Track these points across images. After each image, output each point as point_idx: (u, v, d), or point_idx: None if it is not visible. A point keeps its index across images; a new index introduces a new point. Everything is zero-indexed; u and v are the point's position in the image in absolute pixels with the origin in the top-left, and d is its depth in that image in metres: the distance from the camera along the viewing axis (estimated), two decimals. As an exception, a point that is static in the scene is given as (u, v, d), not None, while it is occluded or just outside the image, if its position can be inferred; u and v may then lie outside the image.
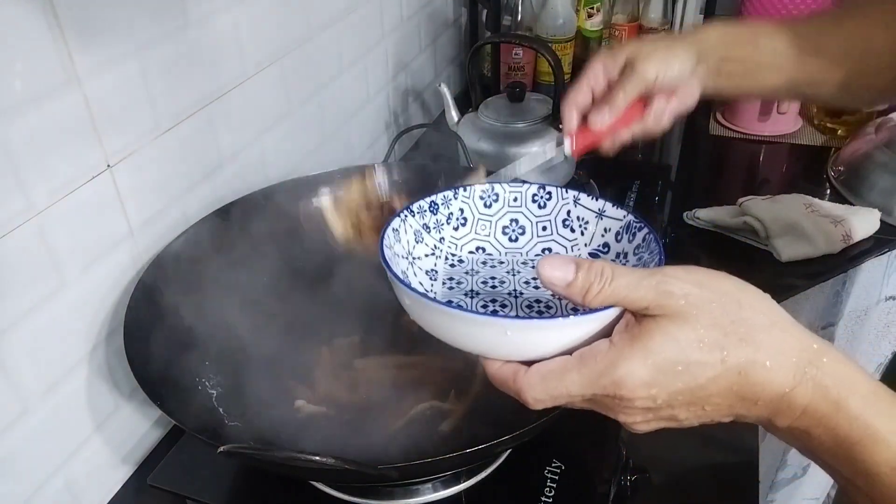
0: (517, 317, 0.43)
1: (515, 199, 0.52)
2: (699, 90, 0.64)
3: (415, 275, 0.49)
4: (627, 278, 0.36)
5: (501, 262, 0.52)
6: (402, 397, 0.65)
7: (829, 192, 1.07)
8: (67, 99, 0.57)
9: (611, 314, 0.38)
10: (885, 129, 1.06)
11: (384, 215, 0.52)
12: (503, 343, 0.39)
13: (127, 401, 0.68)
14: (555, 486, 0.62)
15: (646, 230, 0.46)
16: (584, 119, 0.62)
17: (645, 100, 0.63)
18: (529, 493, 0.62)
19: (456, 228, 0.52)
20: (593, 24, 1.33)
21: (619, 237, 0.48)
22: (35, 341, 0.57)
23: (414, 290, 0.41)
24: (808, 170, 1.16)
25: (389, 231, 0.48)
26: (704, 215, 0.99)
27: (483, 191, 0.52)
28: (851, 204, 1.01)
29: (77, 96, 0.57)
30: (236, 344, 0.70)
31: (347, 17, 0.98)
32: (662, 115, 0.63)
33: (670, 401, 0.37)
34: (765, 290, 0.39)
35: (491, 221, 0.53)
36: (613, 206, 0.49)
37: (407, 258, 0.49)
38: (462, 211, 0.52)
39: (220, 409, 0.62)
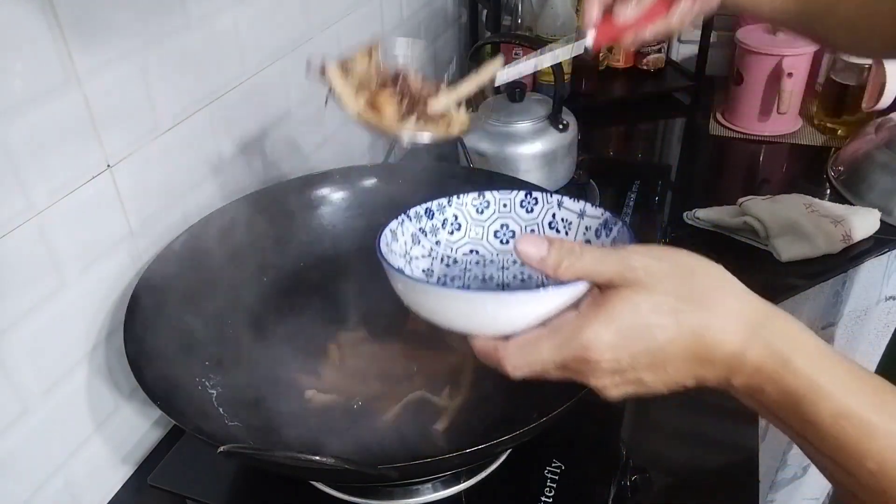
0: (501, 292, 0.48)
1: (505, 206, 0.56)
2: None
3: (411, 272, 0.52)
4: (594, 254, 0.40)
5: (492, 262, 0.56)
6: (400, 389, 0.66)
7: (829, 192, 1.07)
8: (67, 99, 0.57)
9: (579, 288, 0.41)
10: (885, 129, 1.06)
11: (399, 90, 0.55)
12: (485, 318, 0.43)
13: (127, 401, 0.68)
14: (555, 486, 0.62)
15: (619, 224, 0.50)
16: (606, 13, 0.63)
17: None
18: (529, 493, 0.62)
19: (451, 233, 0.56)
20: (593, 24, 1.33)
21: (598, 234, 0.52)
22: (35, 341, 0.57)
23: (406, 275, 0.46)
24: (808, 170, 1.16)
25: (387, 232, 0.51)
26: (704, 215, 0.99)
27: (474, 199, 0.56)
28: (851, 204, 1.01)
29: (77, 96, 0.57)
30: (236, 344, 0.70)
31: (347, 17, 0.98)
32: (686, 16, 0.64)
33: (633, 363, 0.40)
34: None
35: (483, 226, 0.56)
36: (593, 206, 0.53)
37: (404, 257, 0.53)
38: (456, 217, 0.55)
39: (220, 409, 0.62)
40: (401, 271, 0.46)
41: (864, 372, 0.38)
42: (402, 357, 0.70)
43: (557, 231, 0.55)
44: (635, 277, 0.39)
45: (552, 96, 1.03)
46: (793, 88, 1.16)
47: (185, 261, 0.68)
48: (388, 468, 0.49)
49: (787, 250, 0.91)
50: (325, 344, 0.71)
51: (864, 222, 0.94)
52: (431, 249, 0.55)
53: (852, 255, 0.94)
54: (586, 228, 0.53)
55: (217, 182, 0.77)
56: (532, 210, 0.55)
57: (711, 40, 1.30)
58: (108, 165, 0.62)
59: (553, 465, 0.64)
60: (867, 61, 1.12)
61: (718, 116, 1.30)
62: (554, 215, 0.55)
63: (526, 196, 0.55)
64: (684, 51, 1.46)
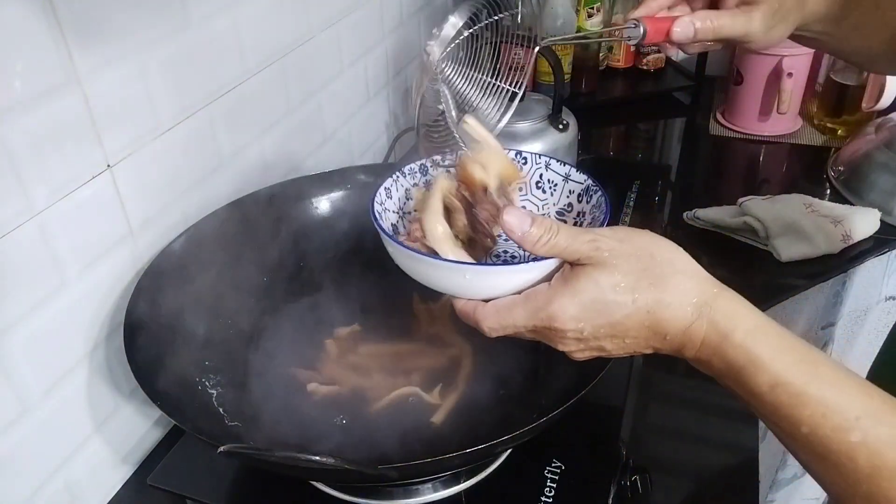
0: (479, 264, 0.50)
1: None
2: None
3: (404, 227, 0.55)
4: (567, 233, 0.45)
5: None
6: (398, 383, 0.66)
7: (829, 192, 1.07)
8: (67, 99, 0.57)
9: (552, 264, 0.46)
10: (885, 129, 1.06)
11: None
12: (465, 284, 0.47)
13: (127, 401, 0.68)
14: (555, 486, 0.62)
15: (599, 193, 0.54)
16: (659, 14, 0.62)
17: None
18: (529, 493, 0.62)
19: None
20: (593, 24, 1.33)
21: (580, 198, 0.56)
22: (35, 341, 0.57)
23: (397, 241, 0.48)
24: (808, 170, 1.16)
25: (381, 190, 0.54)
26: (704, 215, 0.99)
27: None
28: (851, 204, 1.02)
29: (77, 96, 0.57)
30: (236, 343, 0.70)
31: (347, 17, 0.98)
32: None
33: (595, 333, 0.45)
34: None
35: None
36: (577, 171, 0.56)
37: (398, 213, 0.56)
38: (449, 171, 0.56)
39: (220, 409, 0.62)
40: (393, 238, 0.49)
41: (799, 343, 0.42)
42: (400, 353, 0.70)
43: (543, 191, 0.58)
44: (600, 258, 0.44)
45: (552, 96, 1.03)
46: (793, 88, 1.16)
47: (185, 261, 0.68)
48: (388, 468, 0.49)
49: (787, 250, 0.91)
50: (324, 343, 0.71)
51: (863, 222, 0.94)
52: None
53: (852, 255, 0.94)
54: (570, 192, 0.57)
55: (217, 182, 0.77)
56: (521, 168, 0.58)
57: (711, 40, 1.30)
58: (108, 165, 0.62)
59: (553, 465, 0.64)
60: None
61: (718, 116, 1.30)
62: (541, 176, 0.58)
63: (516, 155, 0.59)
64: (684, 51, 1.46)
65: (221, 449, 0.48)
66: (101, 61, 0.59)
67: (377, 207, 0.52)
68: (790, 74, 1.14)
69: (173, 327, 0.64)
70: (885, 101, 1.07)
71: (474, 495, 0.63)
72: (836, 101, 1.22)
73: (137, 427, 0.71)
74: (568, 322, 0.44)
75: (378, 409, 0.64)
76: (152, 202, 0.68)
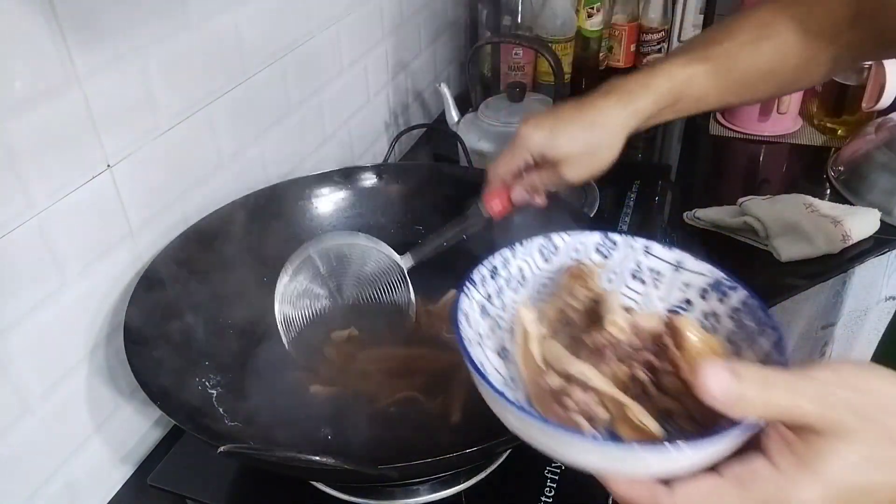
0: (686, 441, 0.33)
1: (577, 251, 0.46)
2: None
3: (487, 359, 0.42)
4: (786, 383, 0.32)
5: None
6: (399, 385, 0.66)
7: (828, 192, 1.07)
8: (67, 99, 0.57)
9: (757, 427, 0.33)
10: (885, 129, 1.06)
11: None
12: (635, 467, 0.34)
13: (127, 401, 0.68)
14: (555, 486, 0.63)
15: (744, 293, 0.41)
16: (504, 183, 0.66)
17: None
18: (529, 493, 0.62)
19: (515, 291, 0.46)
20: (593, 24, 1.33)
21: (705, 295, 0.43)
22: (35, 341, 0.57)
23: (524, 409, 0.36)
24: (808, 170, 1.16)
25: (461, 317, 0.41)
26: (704, 215, 0.99)
27: (542, 244, 0.46)
28: (851, 204, 1.01)
29: (77, 96, 0.57)
30: (236, 343, 0.70)
31: (347, 17, 0.98)
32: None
33: None
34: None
35: (552, 278, 0.47)
36: (694, 259, 0.44)
37: (477, 340, 0.42)
38: (521, 270, 0.46)
39: (220, 409, 0.62)
40: (514, 403, 0.36)
41: None
42: (401, 355, 0.70)
43: (644, 282, 0.45)
44: (840, 421, 0.31)
45: (552, 96, 1.03)
46: (793, 88, 1.16)
47: (184, 261, 0.68)
48: (388, 468, 0.49)
49: (787, 250, 0.91)
50: (324, 343, 0.71)
51: (863, 222, 0.94)
52: (499, 317, 0.44)
53: (852, 255, 0.94)
54: (685, 285, 0.44)
55: (217, 182, 0.77)
56: (610, 255, 0.46)
57: (711, 40, 1.30)
58: (108, 165, 0.62)
59: (553, 465, 0.64)
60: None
61: (718, 116, 1.30)
62: (639, 264, 0.46)
63: (603, 239, 0.46)
64: (684, 51, 1.46)
65: (221, 449, 0.48)
66: (101, 61, 0.59)
67: (469, 349, 0.38)
68: (790, 74, 1.14)
69: (173, 327, 0.64)
70: (885, 101, 1.06)
71: (474, 495, 0.63)
72: (836, 101, 1.22)
73: (137, 427, 0.71)
74: None
75: (378, 411, 0.64)
76: (152, 202, 0.68)
